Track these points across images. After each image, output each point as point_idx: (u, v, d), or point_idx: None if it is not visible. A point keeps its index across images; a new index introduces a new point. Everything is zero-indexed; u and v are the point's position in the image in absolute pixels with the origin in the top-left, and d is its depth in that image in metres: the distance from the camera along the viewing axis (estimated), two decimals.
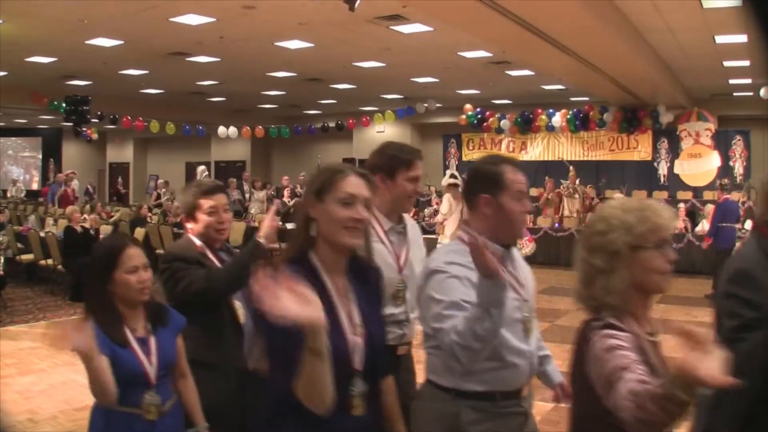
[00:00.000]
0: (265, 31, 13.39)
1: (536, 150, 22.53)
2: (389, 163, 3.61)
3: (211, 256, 3.75)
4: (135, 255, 3.12)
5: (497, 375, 2.85)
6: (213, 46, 14.87)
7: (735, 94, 19.82)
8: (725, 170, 18.79)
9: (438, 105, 22.42)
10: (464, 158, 24.03)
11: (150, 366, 3.08)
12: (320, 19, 12.06)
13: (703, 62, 15.42)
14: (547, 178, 19.59)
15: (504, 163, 3.01)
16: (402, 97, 22.65)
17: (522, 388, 2.96)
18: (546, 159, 22.23)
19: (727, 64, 15.71)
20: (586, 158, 21.39)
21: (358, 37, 13.59)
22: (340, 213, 2.34)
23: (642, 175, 20.63)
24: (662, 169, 20.56)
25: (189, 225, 3.79)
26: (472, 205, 2.99)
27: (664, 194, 19.25)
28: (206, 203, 3.73)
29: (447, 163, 24.23)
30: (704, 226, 16.04)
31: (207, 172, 22.14)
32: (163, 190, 23.28)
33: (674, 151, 19.84)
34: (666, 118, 19.22)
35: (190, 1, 11.43)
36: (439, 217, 13.45)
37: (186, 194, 3.84)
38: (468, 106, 22.19)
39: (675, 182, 19.82)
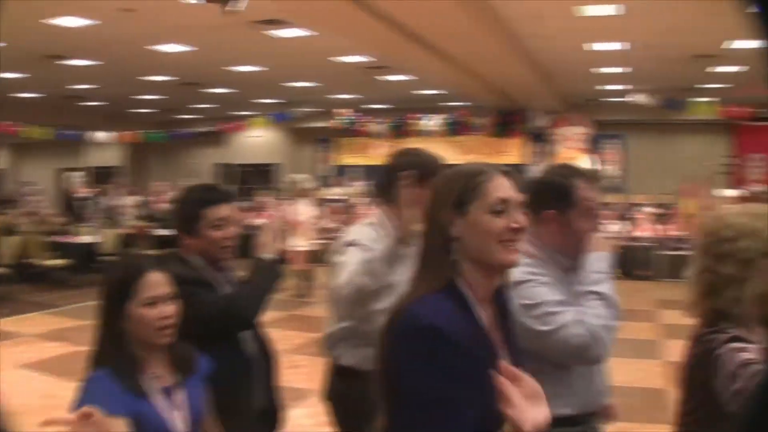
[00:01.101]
0: (143, 34, 13.28)
1: None
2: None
3: (214, 276, 3.26)
4: (156, 283, 2.51)
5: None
6: (90, 49, 14.62)
7: (608, 99, 20.87)
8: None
9: (314, 109, 22.58)
10: (338, 163, 24.36)
11: (179, 424, 2.52)
12: (199, 23, 12.07)
13: (578, 68, 16.17)
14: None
15: (577, 176, 2.90)
16: (279, 101, 22.74)
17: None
18: None
19: (600, 70, 16.58)
20: (461, 162, 21.88)
21: (236, 41, 13.65)
22: (494, 224, 1.95)
23: (517, 179, 21.32)
24: (532, 174, 21.26)
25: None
26: (539, 218, 2.85)
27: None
28: (213, 214, 3.18)
29: (320, 167, 24.49)
30: None
31: (81, 179, 21.65)
32: (37, 197, 22.58)
33: (548, 155, 20.58)
34: (541, 122, 19.96)
35: (68, 2, 11.25)
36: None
37: (184, 203, 3.30)
38: (342, 110, 22.45)
39: None
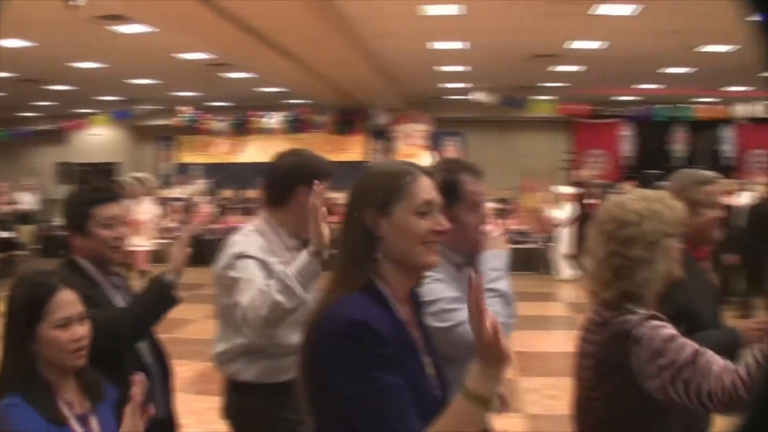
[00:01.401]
0: None
1: (252, 152, 22.80)
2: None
3: (104, 283, 3.14)
4: (67, 302, 2.34)
5: None
6: None
7: (449, 97, 21.39)
8: None
9: (156, 107, 22.16)
10: (179, 161, 23.98)
11: None
12: (40, 18, 11.65)
13: (420, 66, 16.42)
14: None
15: (462, 171, 2.91)
16: (121, 99, 22.15)
17: None
18: (262, 161, 22.55)
19: (441, 68, 16.87)
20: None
21: (78, 36, 13.19)
22: (419, 226, 1.94)
23: (357, 176, 21.53)
24: None
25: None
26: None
27: None
28: (102, 213, 3.06)
29: (162, 166, 24.05)
30: None
31: None
32: None
33: (389, 153, 20.93)
34: (382, 120, 20.28)
35: None
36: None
37: (73, 202, 3.15)
38: (183, 108, 22.14)
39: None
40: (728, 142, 23.17)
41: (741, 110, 20.09)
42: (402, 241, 1.93)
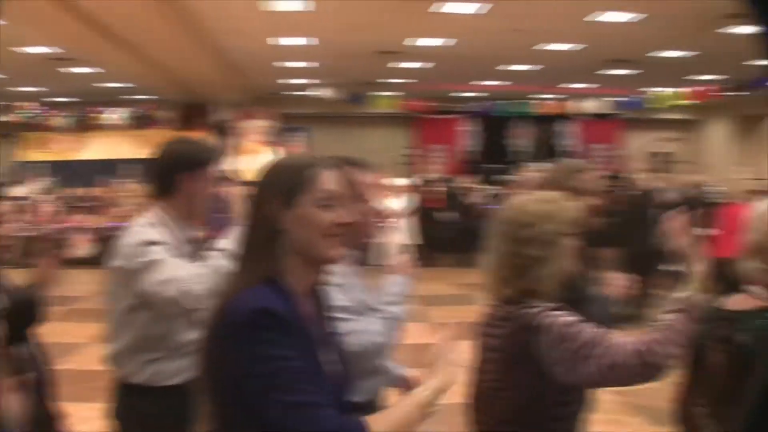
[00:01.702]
0: None
1: (96, 149, 22.12)
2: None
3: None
4: None
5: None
6: None
7: (294, 93, 21.45)
8: None
9: None
10: (21, 159, 22.99)
11: None
12: None
13: (266, 62, 16.39)
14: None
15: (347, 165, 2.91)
16: None
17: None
18: (107, 158, 21.95)
19: (287, 64, 16.88)
20: (147, 157, 21.45)
21: None
22: (322, 218, 1.91)
23: None
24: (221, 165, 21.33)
25: None
26: None
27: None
28: None
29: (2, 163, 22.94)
30: None
31: None
32: None
33: (232, 148, 20.72)
34: (225, 116, 20.14)
35: None
36: None
37: None
38: (24, 103, 21.25)
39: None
40: (569, 137, 24.26)
41: (581, 106, 21.05)
42: (305, 234, 1.90)
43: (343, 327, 2.44)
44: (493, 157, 22.25)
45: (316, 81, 19.08)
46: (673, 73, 17.88)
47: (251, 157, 20.02)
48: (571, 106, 21.16)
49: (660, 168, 23.24)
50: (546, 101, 21.69)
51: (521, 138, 23.66)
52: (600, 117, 23.06)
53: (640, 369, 2.22)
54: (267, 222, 1.90)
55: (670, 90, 19.33)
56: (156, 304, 2.92)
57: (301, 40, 14.24)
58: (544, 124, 22.94)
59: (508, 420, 2.51)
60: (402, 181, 16.83)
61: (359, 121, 23.78)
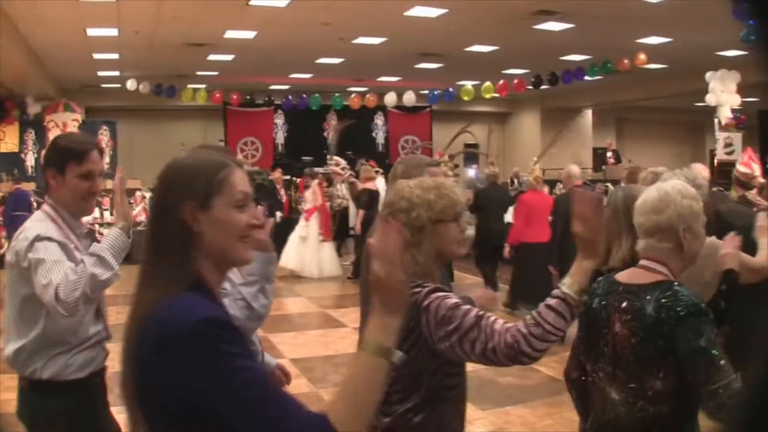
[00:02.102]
0: None
1: None
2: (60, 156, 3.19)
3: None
4: None
5: None
6: None
7: (103, 85, 21.00)
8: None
9: None
10: None
11: None
12: None
13: (74, 53, 15.92)
14: None
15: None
16: None
17: None
18: None
19: (96, 56, 16.44)
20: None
21: None
22: (239, 219, 1.85)
23: (9, 167, 20.26)
24: (30, 161, 20.43)
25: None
26: None
27: (32, 185, 19.11)
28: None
29: None
30: None
31: None
32: None
33: (41, 142, 19.85)
34: (34, 108, 19.29)
35: None
36: None
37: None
38: None
39: (42, 173, 19.79)
40: (380, 129, 24.66)
41: (391, 99, 21.41)
42: (222, 237, 1.83)
43: None
44: (305, 150, 22.33)
45: (126, 73, 18.58)
46: (483, 67, 18.49)
47: None
48: (383, 99, 21.49)
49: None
50: (357, 94, 21.93)
51: (333, 131, 23.85)
52: (411, 110, 23.58)
53: (514, 357, 2.39)
54: (181, 225, 1.80)
55: (479, 83, 19.98)
56: (60, 301, 2.91)
57: (110, 31, 13.94)
58: (356, 117, 23.13)
59: (404, 389, 2.68)
60: None
61: (169, 114, 23.56)
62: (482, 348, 2.42)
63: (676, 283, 2.73)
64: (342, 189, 15.53)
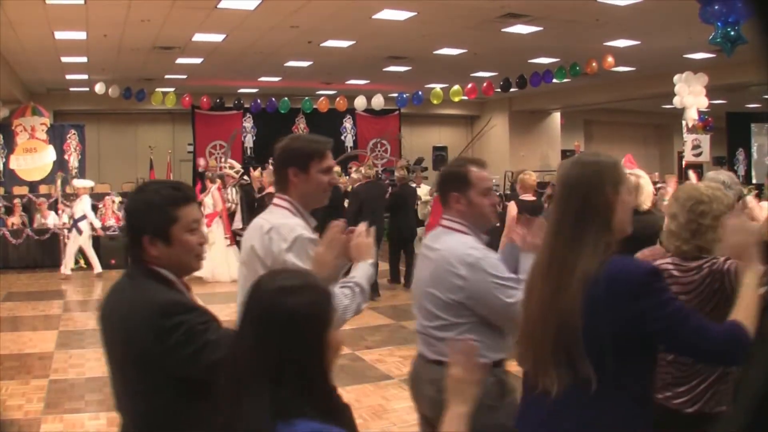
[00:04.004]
0: None
1: None
2: (302, 154, 3.37)
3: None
4: None
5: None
6: None
7: (71, 89, 20.85)
8: (60, 164, 19.15)
9: None
10: None
11: None
12: None
13: (43, 57, 15.87)
14: None
15: (470, 163, 3.50)
16: None
17: None
18: None
19: (64, 59, 16.36)
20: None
21: None
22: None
23: None
24: None
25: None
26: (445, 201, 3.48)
27: (0, 190, 18.91)
28: (187, 214, 2.56)
29: None
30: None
31: None
32: None
33: (9, 147, 19.63)
34: (1, 113, 19.09)
35: None
36: None
37: (147, 204, 2.56)
38: None
39: (10, 178, 19.58)
40: (349, 133, 24.66)
41: (361, 103, 21.41)
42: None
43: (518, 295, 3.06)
44: (273, 154, 22.22)
45: (94, 76, 18.44)
46: (451, 69, 18.56)
47: (31, 155, 19.03)
48: (352, 102, 21.50)
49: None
50: (326, 97, 21.93)
51: (301, 133, 23.82)
52: (380, 113, 23.62)
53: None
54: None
55: (448, 86, 20.05)
56: None
57: (78, 34, 13.94)
58: (325, 119, 23.08)
59: None
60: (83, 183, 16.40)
61: (137, 117, 23.46)
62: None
63: None
64: (232, 192, 15.57)
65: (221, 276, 14.02)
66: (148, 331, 2.30)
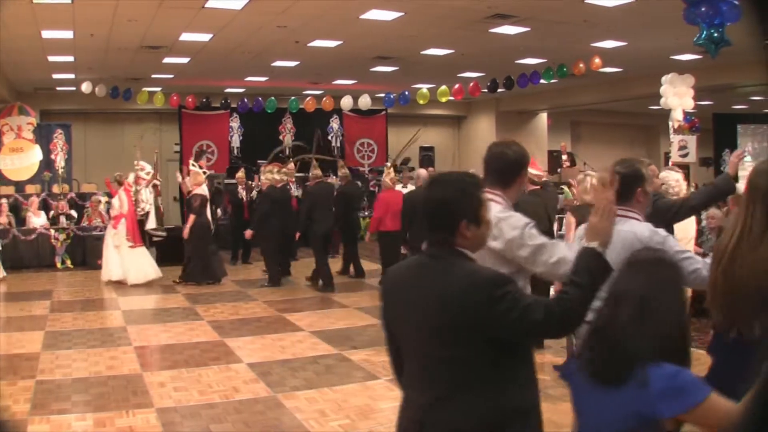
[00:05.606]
0: None
1: None
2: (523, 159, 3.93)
3: None
4: None
5: None
6: None
7: (58, 88, 20.81)
8: (46, 164, 19.09)
9: None
10: None
11: None
12: None
13: (29, 56, 15.83)
14: None
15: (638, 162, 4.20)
16: None
17: None
18: None
19: (51, 58, 16.33)
20: None
21: None
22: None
23: None
24: None
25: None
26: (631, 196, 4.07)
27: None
28: (484, 198, 3.00)
29: None
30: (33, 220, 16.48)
31: None
32: None
33: None
34: None
35: None
36: None
37: (462, 191, 2.91)
38: None
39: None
40: (336, 133, 24.68)
41: (347, 103, 21.41)
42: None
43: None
44: (261, 153, 22.24)
45: (81, 76, 18.39)
46: (439, 70, 18.59)
47: (18, 155, 18.98)
48: (339, 102, 21.50)
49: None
50: (313, 97, 21.92)
51: (289, 133, 23.81)
52: (367, 113, 23.64)
53: None
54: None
55: (435, 86, 20.08)
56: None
57: (65, 34, 13.91)
58: (312, 119, 23.09)
59: None
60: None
61: (123, 116, 23.46)
62: None
63: None
64: (146, 193, 15.55)
65: (136, 278, 13.69)
66: (480, 299, 2.66)
